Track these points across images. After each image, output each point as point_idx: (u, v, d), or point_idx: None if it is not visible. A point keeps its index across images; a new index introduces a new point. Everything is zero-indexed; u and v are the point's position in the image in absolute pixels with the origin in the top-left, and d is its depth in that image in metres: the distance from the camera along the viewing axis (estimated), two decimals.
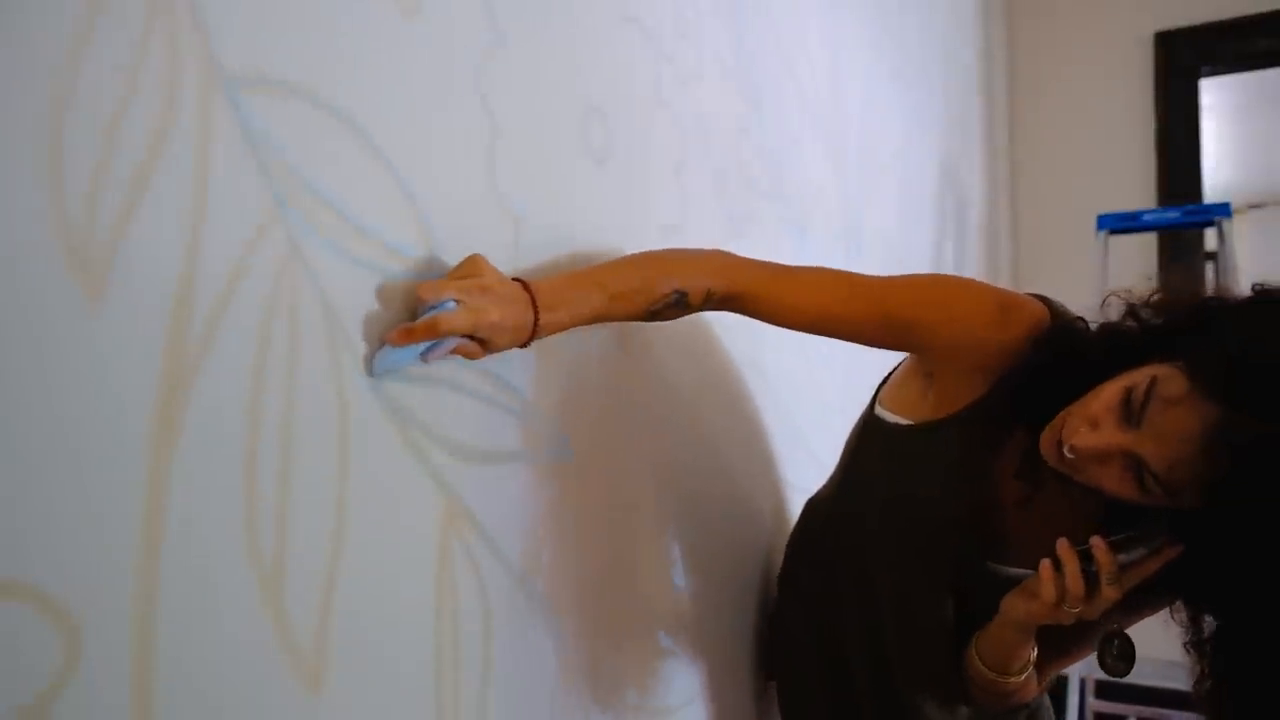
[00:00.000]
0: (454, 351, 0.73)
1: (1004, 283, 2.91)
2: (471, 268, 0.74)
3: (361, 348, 0.69)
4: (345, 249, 0.68)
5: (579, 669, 0.92)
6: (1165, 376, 0.74)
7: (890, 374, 1.07)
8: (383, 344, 0.69)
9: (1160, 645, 0.95)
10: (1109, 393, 0.77)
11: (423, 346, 0.70)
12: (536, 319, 0.76)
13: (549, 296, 0.77)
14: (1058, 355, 0.85)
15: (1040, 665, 0.96)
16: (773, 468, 1.38)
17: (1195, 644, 0.84)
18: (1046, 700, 1.10)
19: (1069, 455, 0.78)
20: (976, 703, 1.00)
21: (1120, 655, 0.86)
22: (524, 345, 0.78)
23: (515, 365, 0.85)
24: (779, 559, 1.28)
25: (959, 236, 2.54)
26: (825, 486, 1.18)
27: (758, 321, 0.96)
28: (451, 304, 0.69)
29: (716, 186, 1.22)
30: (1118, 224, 2.42)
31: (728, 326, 1.21)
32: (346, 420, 0.67)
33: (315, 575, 0.64)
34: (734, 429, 1.26)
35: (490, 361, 0.81)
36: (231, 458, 0.59)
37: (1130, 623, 0.90)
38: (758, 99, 1.35)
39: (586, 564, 0.94)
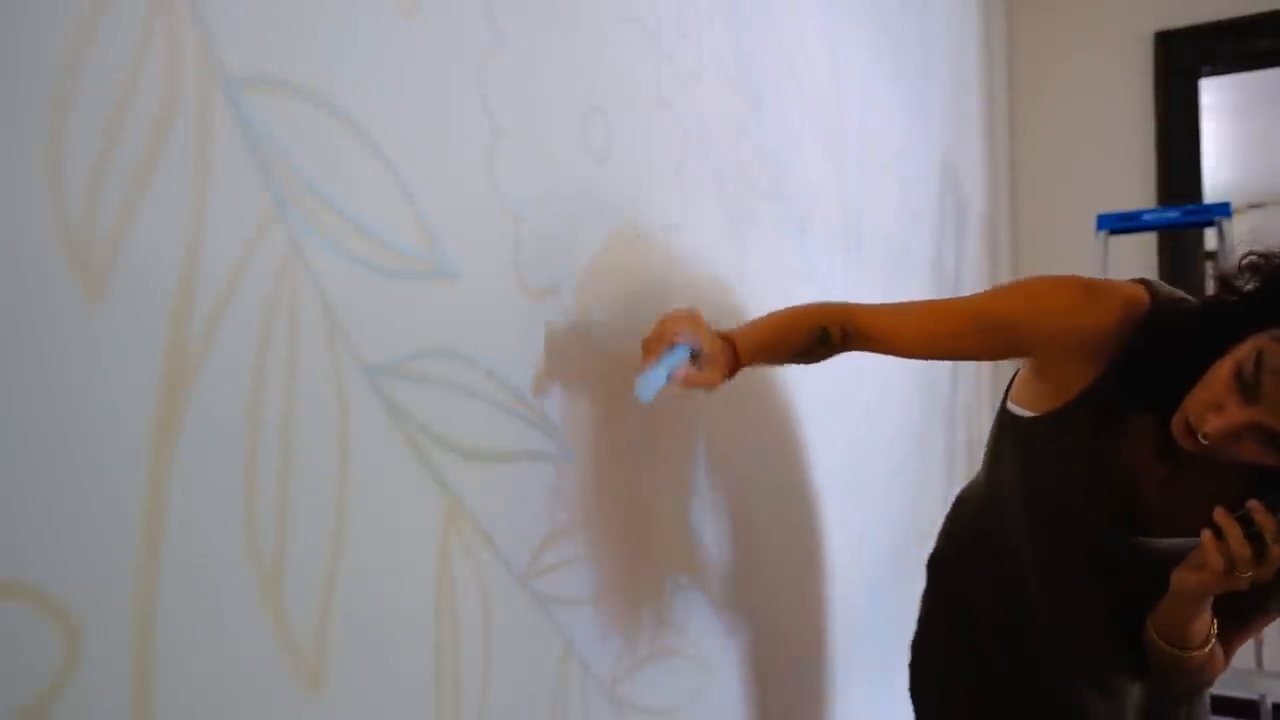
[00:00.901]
0: (687, 383, 0.89)
1: (1004, 281, 2.89)
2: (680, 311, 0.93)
3: (362, 348, 0.69)
4: (345, 249, 0.68)
5: (579, 669, 0.93)
6: (1267, 348, 0.78)
7: (1017, 372, 1.10)
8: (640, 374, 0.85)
9: None
10: (1222, 373, 0.81)
11: (669, 362, 0.86)
12: (736, 356, 0.98)
13: (740, 339, 0.99)
14: (1158, 336, 0.88)
15: (1223, 639, 0.96)
16: (779, 465, 1.38)
17: None
18: (1206, 700, 1.12)
19: (1204, 442, 0.82)
20: (1155, 681, 1.00)
21: None
22: (729, 375, 0.97)
23: (516, 365, 0.85)
24: (783, 559, 1.28)
25: (959, 236, 2.54)
26: (971, 485, 1.19)
27: None
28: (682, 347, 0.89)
29: (716, 186, 1.22)
30: (1118, 224, 2.41)
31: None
32: (346, 420, 0.67)
33: (315, 575, 0.65)
34: (740, 428, 1.26)
35: (492, 361, 0.81)
36: (231, 458, 0.59)
37: None
38: (758, 99, 1.35)
39: (587, 564, 0.94)
